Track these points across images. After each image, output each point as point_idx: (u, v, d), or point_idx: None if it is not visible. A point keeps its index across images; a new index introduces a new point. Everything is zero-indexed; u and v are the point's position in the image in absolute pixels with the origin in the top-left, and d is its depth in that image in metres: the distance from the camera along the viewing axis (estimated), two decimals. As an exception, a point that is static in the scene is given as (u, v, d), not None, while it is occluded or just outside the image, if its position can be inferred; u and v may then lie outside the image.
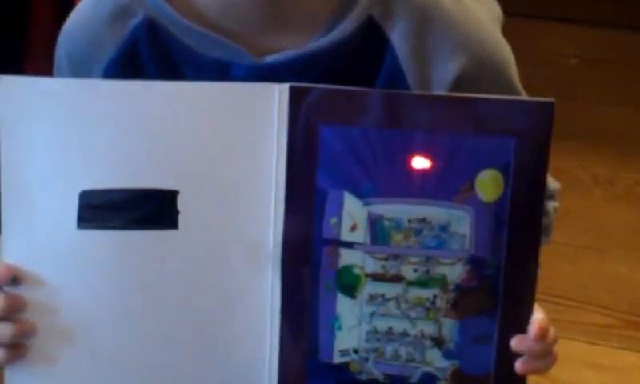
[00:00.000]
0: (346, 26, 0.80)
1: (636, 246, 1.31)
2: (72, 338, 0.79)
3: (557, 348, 0.79)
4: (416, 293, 0.77)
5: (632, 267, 1.27)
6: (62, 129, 0.76)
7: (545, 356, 0.78)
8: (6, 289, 0.77)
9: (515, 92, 0.85)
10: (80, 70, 0.84)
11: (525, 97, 0.85)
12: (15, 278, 0.77)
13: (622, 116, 1.53)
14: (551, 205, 0.85)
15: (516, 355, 0.78)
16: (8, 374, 0.80)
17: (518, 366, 0.78)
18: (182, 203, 0.76)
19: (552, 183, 0.80)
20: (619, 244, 1.31)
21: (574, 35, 1.70)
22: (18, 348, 0.78)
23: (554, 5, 1.70)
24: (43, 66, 0.98)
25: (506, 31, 0.90)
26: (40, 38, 1.36)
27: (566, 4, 1.71)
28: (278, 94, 0.74)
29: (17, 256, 0.77)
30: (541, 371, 0.80)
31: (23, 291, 0.77)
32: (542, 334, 0.76)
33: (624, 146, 1.47)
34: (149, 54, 0.82)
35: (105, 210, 0.76)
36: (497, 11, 0.89)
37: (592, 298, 1.21)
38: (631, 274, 1.26)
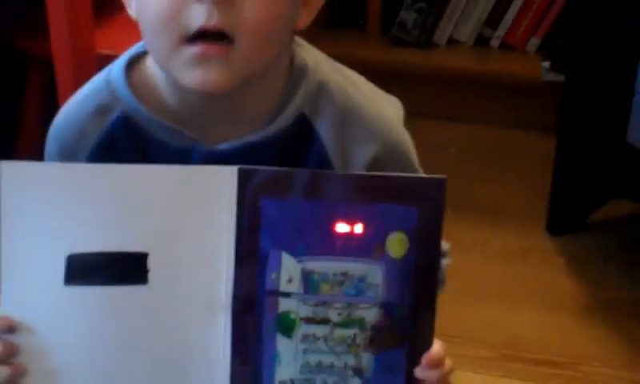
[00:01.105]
0: (283, 120, 0.81)
1: (507, 294, 1.33)
2: (58, 377, 0.77)
3: (452, 378, 0.79)
4: (340, 332, 0.77)
5: (504, 311, 1.30)
6: (52, 203, 0.75)
7: (442, 383, 0.78)
8: (3, 336, 0.75)
9: (415, 170, 0.87)
10: (68, 156, 0.83)
11: (423, 174, 0.86)
12: (11, 328, 0.75)
13: (493, 193, 1.56)
14: (444, 262, 0.85)
15: (421, 382, 0.78)
16: None
17: (420, 391, 0.78)
18: (150, 263, 0.76)
19: (444, 245, 0.81)
20: (493, 294, 1.33)
21: (454, 131, 1.74)
22: None
23: (438, 106, 1.74)
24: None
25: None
26: (29, 139, 1.36)
27: (448, 106, 1.76)
28: (228, 174, 0.75)
29: (13, 308, 0.76)
30: (438, 397, 0.79)
31: (17, 338, 0.75)
32: (432, 364, 0.77)
33: (495, 215, 1.50)
34: (124, 143, 0.82)
35: (88, 269, 0.75)
36: (399, 109, 0.90)
37: (475, 336, 1.22)
38: (504, 317, 1.28)
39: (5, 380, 0.75)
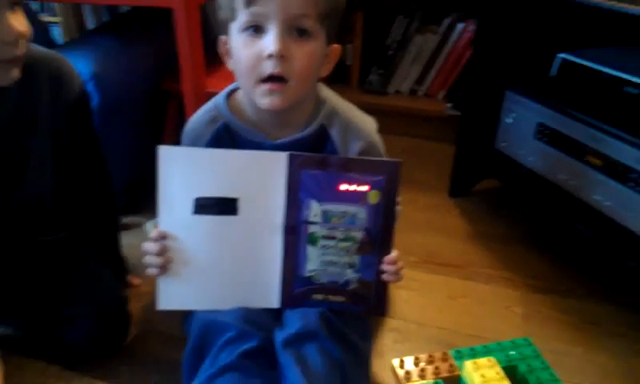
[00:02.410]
0: (312, 128, 0.80)
1: (426, 228, 1.32)
2: (188, 263, 0.76)
3: (402, 272, 0.78)
4: (342, 244, 0.77)
5: (425, 238, 1.29)
6: (188, 169, 0.74)
7: (396, 274, 0.77)
8: (160, 241, 0.75)
9: (383, 157, 0.85)
10: (193, 146, 0.82)
11: (388, 158, 0.85)
12: (163, 237, 0.75)
13: (419, 174, 1.53)
14: (399, 207, 0.84)
15: (384, 272, 0.77)
16: (160, 280, 0.77)
17: (384, 276, 0.77)
18: (239, 204, 0.75)
19: (399, 198, 0.80)
20: (420, 228, 1.32)
21: (398, 141, 1.73)
22: (163, 268, 0.76)
23: (389, 128, 1.72)
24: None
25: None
26: (170, 137, 1.35)
27: (394, 127, 1.74)
28: (283, 156, 0.74)
29: (165, 226, 0.75)
30: (394, 281, 0.78)
31: (167, 242, 0.75)
32: (391, 262, 0.77)
33: (420, 186, 1.48)
34: (224, 139, 0.80)
35: (205, 206, 0.74)
36: (374, 123, 0.88)
37: (409, 250, 1.22)
38: (425, 240, 1.28)
39: (160, 264, 0.75)
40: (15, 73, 0.73)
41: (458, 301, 1.08)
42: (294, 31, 0.70)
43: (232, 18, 0.72)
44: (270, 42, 0.69)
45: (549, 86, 1.16)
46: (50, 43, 1.37)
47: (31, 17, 1.37)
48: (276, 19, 0.68)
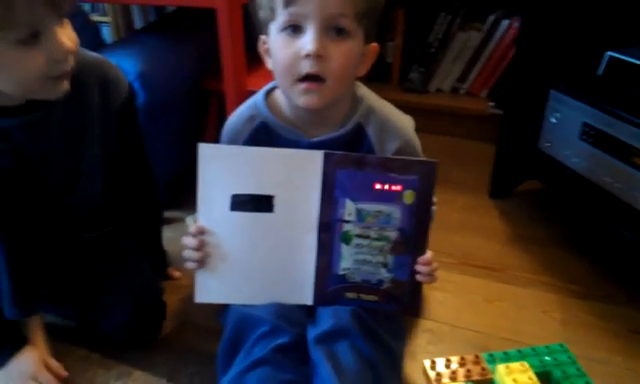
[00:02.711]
0: (349, 126, 0.80)
1: (464, 229, 1.29)
2: (225, 258, 0.78)
3: (437, 273, 0.78)
4: (376, 243, 0.77)
5: (462, 238, 1.26)
6: (226, 166, 0.75)
7: (430, 275, 0.77)
8: (198, 236, 0.76)
9: (420, 156, 0.84)
10: (232, 144, 0.83)
11: (424, 158, 0.84)
12: (202, 232, 0.76)
13: (459, 174, 1.51)
14: (434, 208, 0.84)
15: (418, 273, 0.77)
16: (198, 274, 0.79)
17: (418, 277, 0.77)
18: (275, 201, 0.76)
19: (434, 198, 0.79)
20: (457, 229, 1.29)
21: (438, 140, 1.72)
22: (201, 262, 0.77)
23: (429, 126, 1.70)
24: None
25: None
26: (211, 134, 1.37)
27: (435, 126, 1.72)
28: (319, 155, 0.74)
29: (204, 221, 0.77)
30: (428, 282, 0.78)
31: (205, 237, 0.77)
32: (425, 263, 0.76)
33: (459, 186, 1.46)
34: (262, 136, 0.81)
35: (242, 202, 0.76)
36: (412, 121, 0.88)
37: (445, 250, 1.19)
38: (462, 241, 1.25)
39: (198, 258, 0.77)
40: (65, 86, 0.74)
41: (494, 304, 1.06)
42: (332, 31, 0.70)
43: (271, 17, 0.73)
44: (307, 41, 0.70)
45: (595, 85, 1.12)
46: (99, 43, 1.42)
47: (82, 17, 1.43)
48: (314, 19, 0.69)
